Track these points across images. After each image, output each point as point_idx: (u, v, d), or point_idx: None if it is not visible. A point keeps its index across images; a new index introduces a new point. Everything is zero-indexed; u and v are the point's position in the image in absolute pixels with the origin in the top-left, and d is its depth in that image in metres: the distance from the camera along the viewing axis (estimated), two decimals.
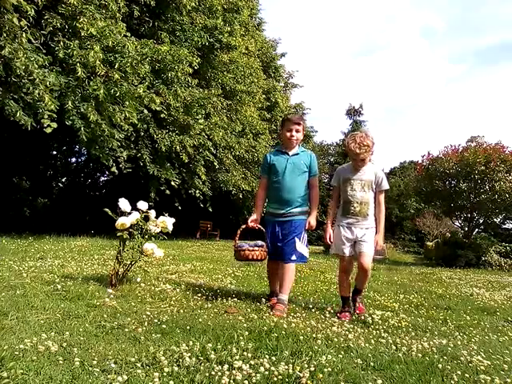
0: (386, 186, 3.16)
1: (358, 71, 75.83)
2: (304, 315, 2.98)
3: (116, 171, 8.22)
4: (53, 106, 6.06)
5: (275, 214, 3.25)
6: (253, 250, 3.20)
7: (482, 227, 14.88)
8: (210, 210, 11.82)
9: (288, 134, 3.22)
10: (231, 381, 1.64)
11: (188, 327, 2.36)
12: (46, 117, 6.04)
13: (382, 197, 3.18)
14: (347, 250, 3.12)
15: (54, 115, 6.17)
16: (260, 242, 3.24)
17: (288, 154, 3.24)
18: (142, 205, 3.42)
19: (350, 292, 3.23)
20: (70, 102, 6.60)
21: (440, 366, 2.04)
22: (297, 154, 3.25)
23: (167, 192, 9.91)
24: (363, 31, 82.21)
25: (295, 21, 71.44)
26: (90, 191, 17.68)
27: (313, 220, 3.22)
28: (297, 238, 3.15)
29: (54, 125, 6.16)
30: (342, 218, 3.17)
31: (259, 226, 3.26)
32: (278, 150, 3.34)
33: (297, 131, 3.22)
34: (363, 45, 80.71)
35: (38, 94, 5.95)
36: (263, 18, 19.21)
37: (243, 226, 3.27)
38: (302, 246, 3.17)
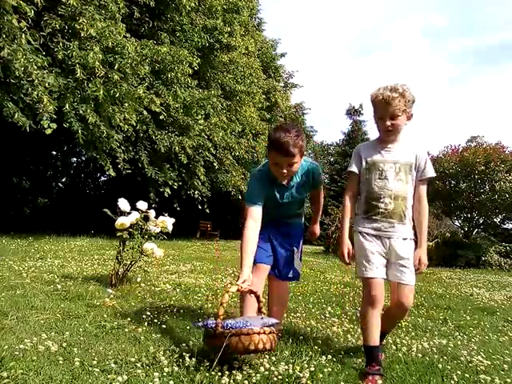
0: (430, 172, 2.05)
1: (358, 71, 75.88)
2: (304, 315, 2.98)
3: (113, 174, 8.21)
4: (51, 108, 6.06)
5: (270, 223, 2.30)
6: (257, 334, 1.72)
7: (481, 227, 14.89)
8: (208, 211, 11.81)
9: (276, 171, 2.12)
10: (231, 381, 1.64)
11: (188, 327, 2.36)
12: (44, 118, 6.04)
13: (424, 190, 2.06)
14: (378, 271, 1.97)
15: (54, 116, 6.17)
16: (267, 319, 1.89)
17: (283, 186, 2.23)
18: (142, 205, 3.43)
19: (378, 338, 1.98)
20: (67, 105, 6.59)
21: (440, 365, 2.04)
22: (296, 180, 2.25)
23: (168, 192, 9.91)
24: (363, 31, 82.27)
25: (295, 21, 71.45)
26: (90, 191, 17.68)
27: (317, 228, 2.56)
28: (295, 248, 2.34)
29: (54, 126, 6.16)
30: (365, 222, 2.05)
31: (254, 291, 1.98)
32: (268, 177, 2.19)
33: (290, 165, 2.07)
34: (363, 45, 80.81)
35: (37, 95, 5.96)
36: (263, 18, 19.27)
37: (232, 290, 1.87)
38: (297, 260, 2.37)
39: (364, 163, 2.07)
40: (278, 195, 2.24)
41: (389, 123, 1.97)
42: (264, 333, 1.70)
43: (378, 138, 2.10)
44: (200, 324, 1.87)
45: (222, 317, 1.73)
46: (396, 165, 2.02)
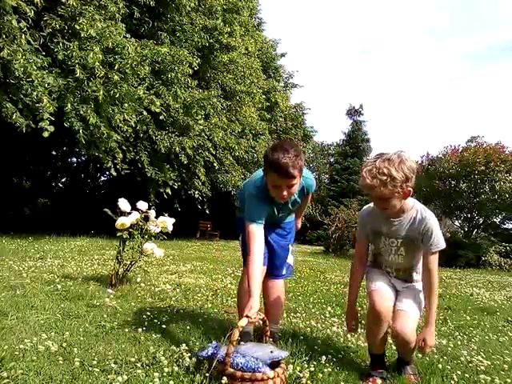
0: (437, 245, 1.89)
1: (358, 71, 75.85)
2: (304, 315, 2.99)
3: (115, 173, 8.23)
4: (51, 108, 6.06)
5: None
6: (271, 380, 1.57)
7: (481, 227, 14.89)
8: (207, 212, 11.81)
9: (275, 193, 2.00)
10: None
11: (188, 327, 2.36)
12: (45, 118, 6.04)
13: (433, 260, 1.92)
14: (382, 285, 1.95)
15: (52, 118, 6.17)
16: (276, 351, 1.72)
17: (276, 203, 2.13)
18: (142, 205, 3.43)
19: (384, 347, 2.03)
20: (69, 105, 6.59)
21: (440, 366, 2.05)
22: (293, 198, 2.17)
23: (168, 192, 9.91)
24: (363, 31, 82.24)
25: (295, 21, 71.44)
26: (90, 191, 17.68)
27: (298, 223, 2.57)
28: (289, 245, 2.38)
29: (51, 129, 6.15)
30: (375, 267, 2.09)
31: (262, 317, 1.81)
32: (262, 193, 2.07)
33: (289, 187, 1.96)
34: (363, 44, 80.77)
35: (37, 95, 5.96)
36: (263, 18, 19.25)
37: (242, 324, 1.69)
38: (290, 256, 2.40)
39: (368, 231, 2.00)
40: (275, 211, 2.19)
41: (380, 205, 1.85)
42: (278, 376, 1.59)
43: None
44: (204, 355, 1.73)
45: (231, 354, 1.60)
46: (398, 240, 1.92)
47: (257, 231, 2.01)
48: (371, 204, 1.97)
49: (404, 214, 1.88)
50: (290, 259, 2.41)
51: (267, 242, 2.24)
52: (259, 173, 2.15)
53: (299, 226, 2.61)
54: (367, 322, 2.01)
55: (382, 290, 1.92)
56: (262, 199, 2.07)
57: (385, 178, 1.71)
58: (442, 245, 1.91)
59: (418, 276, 2.00)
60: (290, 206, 2.21)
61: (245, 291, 2.11)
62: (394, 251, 1.94)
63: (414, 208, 1.89)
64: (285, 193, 1.96)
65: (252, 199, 2.09)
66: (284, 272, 2.33)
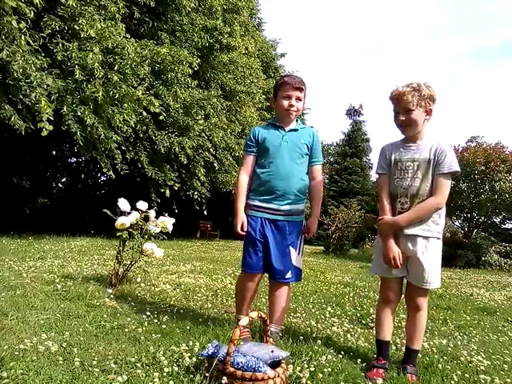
0: (449, 166, 1.93)
1: (358, 71, 75.90)
2: (304, 315, 2.99)
3: (113, 175, 8.23)
4: (50, 110, 6.06)
5: (263, 208, 2.29)
6: (271, 380, 1.57)
7: (481, 227, 14.89)
8: (205, 213, 11.82)
9: (285, 103, 2.28)
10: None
11: (188, 327, 2.36)
12: (44, 119, 6.04)
13: (441, 184, 1.94)
14: (396, 270, 2.01)
15: (52, 118, 6.17)
16: (277, 351, 1.72)
17: (283, 129, 2.34)
18: (142, 205, 3.43)
19: (390, 334, 2.13)
20: (65, 108, 6.59)
21: (440, 366, 2.05)
22: (295, 129, 2.36)
23: (167, 193, 9.91)
24: (363, 31, 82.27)
25: (295, 21, 71.48)
26: (90, 191, 17.67)
27: (314, 224, 2.35)
28: (292, 248, 2.29)
29: (50, 127, 6.15)
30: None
31: (263, 317, 1.81)
32: (270, 124, 2.41)
33: (297, 99, 2.30)
34: (363, 44, 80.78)
35: (35, 96, 5.96)
36: (263, 18, 19.25)
37: (243, 323, 1.67)
38: (298, 259, 2.32)
39: (388, 161, 2.09)
40: (278, 137, 2.33)
41: (402, 118, 1.98)
42: (278, 375, 1.59)
43: (402, 138, 2.10)
44: (205, 354, 1.72)
45: (231, 354, 1.59)
46: (414, 163, 1.99)
47: (248, 159, 2.37)
48: (390, 142, 2.17)
49: (421, 140, 2.03)
50: (298, 262, 2.32)
51: (265, 245, 2.28)
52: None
53: (314, 228, 2.34)
54: (377, 305, 2.16)
55: (395, 280, 2.05)
56: (265, 127, 2.40)
57: (415, 85, 1.97)
58: (455, 167, 1.94)
59: (434, 223, 1.97)
60: (294, 137, 2.33)
61: (246, 288, 2.33)
62: (410, 174, 1.99)
63: (430, 138, 2.03)
64: (293, 101, 2.28)
65: (253, 129, 2.44)
66: (288, 276, 2.28)
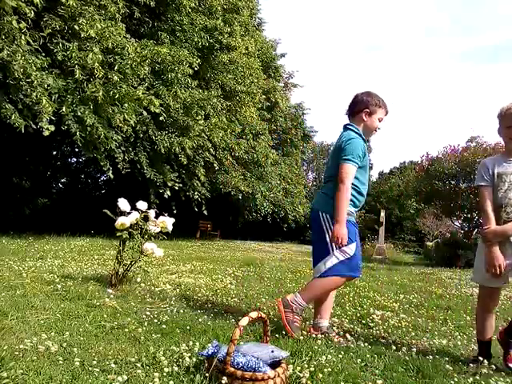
0: None
1: (358, 71, 75.93)
2: (304, 315, 2.98)
3: (111, 176, 8.23)
4: (50, 109, 6.06)
5: (351, 212, 2.46)
6: (271, 379, 1.56)
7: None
8: (206, 213, 11.84)
9: (378, 125, 2.55)
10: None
11: (188, 327, 2.36)
12: (44, 120, 6.04)
13: None
14: (500, 279, 2.12)
15: (53, 118, 6.17)
16: (277, 350, 1.71)
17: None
18: (142, 205, 3.43)
19: (491, 334, 2.30)
20: (64, 108, 6.59)
21: (440, 366, 2.04)
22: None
23: (167, 194, 9.91)
24: (363, 31, 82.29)
25: (295, 21, 71.47)
26: (90, 191, 17.69)
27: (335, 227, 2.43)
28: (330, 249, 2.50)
29: (52, 128, 6.16)
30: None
31: (263, 317, 1.78)
32: (361, 137, 2.50)
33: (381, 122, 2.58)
34: (363, 44, 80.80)
35: (36, 96, 5.96)
36: (263, 18, 19.24)
37: (243, 324, 1.63)
38: (330, 260, 2.48)
39: (491, 174, 2.23)
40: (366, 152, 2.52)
41: None
42: (278, 375, 1.59)
43: (503, 153, 2.30)
44: (205, 354, 1.72)
45: (231, 354, 1.58)
46: None
47: (355, 171, 2.41)
48: (490, 157, 2.40)
49: None
50: (328, 262, 2.40)
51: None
52: (348, 132, 2.50)
53: (337, 230, 2.34)
54: (478, 312, 2.30)
55: (498, 288, 2.21)
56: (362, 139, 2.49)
57: None
58: None
59: None
60: (331, 155, 2.60)
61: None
62: None
63: None
64: (381, 125, 2.56)
65: (359, 143, 2.44)
66: (317, 273, 2.44)
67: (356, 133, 2.47)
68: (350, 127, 2.50)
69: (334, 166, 2.45)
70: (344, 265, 2.38)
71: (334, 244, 2.36)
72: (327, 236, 2.39)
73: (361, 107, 2.51)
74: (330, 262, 2.38)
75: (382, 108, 2.52)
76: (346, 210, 2.34)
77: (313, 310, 2.65)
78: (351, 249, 2.38)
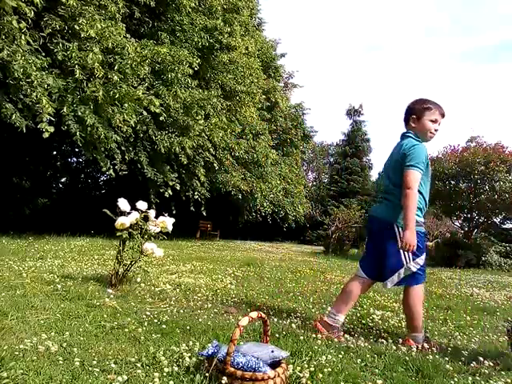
0: None
1: (358, 71, 75.87)
2: (304, 315, 2.99)
3: (113, 174, 8.24)
4: (50, 109, 6.06)
5: (421, 222, 2.50)
6: (271, 379, 1.56)
7: (481, 227, 14.88)
8: (204, 214, 11.84)
9: (432, 127, 2.51)
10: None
11: (188, 327, 2.36)
12: (44, 120, 6.04)
13: None
14: None
15: (53, 119, 6.17)
16: (277, 350, 1.71)
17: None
18: (142, 205, 3.43)
19: None
20: (65, 108, 6.59)
21: (440, 366, 2.05)
22: None
23: (169, 192, 9.91)
24: (363, 31, 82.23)
25: (295, 21, 71.43)
26: (90, 191, 17.68)
27: (405, 233, 2.39)
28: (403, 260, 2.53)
29: (51, 129, 6.15)
30: None
31: (263, 316, 1.77)
32: (420, 142, 2.51)
33: (439, 125, 2.55)
34: (363, 44, 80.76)
35: (36, 96, 5.96)
36: (263, 18, 19.23)
37: (243, 323, 1.62)
38: (401, 272, 2.52)
39: None
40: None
41: None
42: (278, 375, 1.59)
43: None
44: (205, 354, 1.72)
45: (231, 354, 1.58)
46: None
47: (419, 177, 2.41)
48: None
49: None
50: (402, 274, 2.46)
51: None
52: (409, 139, 2.51)
53: (405, 237, 2.34)
54: None
55: None
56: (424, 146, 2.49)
57: None
58: None
59: None
60: (392, 164, 2.56)
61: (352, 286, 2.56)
62: None
63: None
64: (437, 128, 2.54)
65: (424, 151, 2.46)
66: (384, 283, 2.51)
67: (415, 139, 2.49)
68: (408, 134, 2.53)
69: (396, 174, 2.47)
70: (420, 276, 2.48)
71: (406, 254, 2.41)
72: (399, 246, 2.40)
73: (408, 114, 2.58)
74: (404, 273, 2.45)
75: (429, 110, 2.51)
76: (415, 216, 2.36)
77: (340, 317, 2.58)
78: (422, 259, 2.47)
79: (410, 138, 2.50)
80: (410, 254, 2.40)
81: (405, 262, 2.42)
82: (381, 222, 2.52)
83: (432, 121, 2.50)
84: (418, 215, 2.42)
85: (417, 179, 2.37)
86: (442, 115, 2.54)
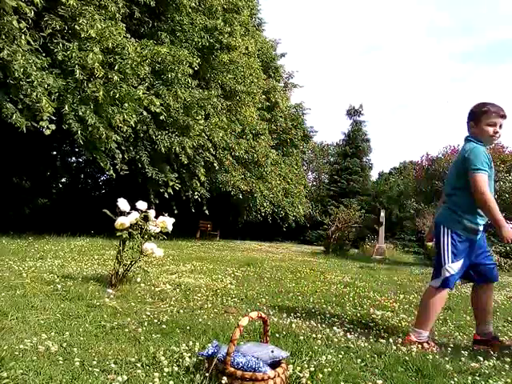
0: None
1: (358, 71, 75.86)
2: (304, 315, 2.99)
3: (113, 174, 8.24)
4: (51, 109, 6.06)
5: (478, 230, 2.55)
6: (271, 379, 1.56)
7: None
8: (207, 212, 11.86)
9: (491, 130, 2.51)
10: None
11: (188, 327, 2.36)
12: (44, 118, 6.04)
13: None
14: None
15: (53, 117, 6.17)
16: (277, 350, 1.72)
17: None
18: (142, 205, 3.43)
19: None
20: (66, 107, 6.59)
21: (440, 366, 2.04)
22: None
23: (170, 192, 9.91)
24: (363, 31, 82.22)
25: (295, 21, 71.43)
26: (90, 191, 17.68)
27: (499, 231, 2.47)
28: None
29: (53, 127, 6.16)
30: None
31: (263, 316, 1.78)
32: (482, 146, 2.54)
33: (500, 127, 2.54)
34: (363, 44, 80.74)
35: (36, 96, 5.96)
36: (263, 18, 19.27)
37: (243, 323, 1.63)
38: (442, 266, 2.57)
39: None
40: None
41: None
42: (278, 375, 1.59)
43: None
44: (205, 354, 1.72)
45: (231, 354, 1.58)
46: None
47: (487, 178, 2.46)
48: None
49: None
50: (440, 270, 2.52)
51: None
52: (470, 143, 2.55)
53: (505, 233, 2.40)
54: None
55: None
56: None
57: None
58: None
59: None
60: (453, 168, 2.66)
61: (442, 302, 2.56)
62: None
63: None
64: (498, 128, 2.52)
65: (483, 152, 2.48)
66: (438, 281, 2.53)
67: (475, 142, 2.54)
68: (469, 138, 2.60)
69: (457, 177, 2.57)
70: (450, 280, 2.51)
71: (446, 257, 2.49)
72: (441, 248, 2.51)
73: (468, 119, 2.64)
74: (441, 274, 2.52)
75: (488, 113, 2.52)
76: (499, 212, 2.43)
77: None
78: (457, 265, 2.49)
79: (470, 142, 2.57)
80: (450, 255, 2.47)
81: (443, 263, 2.50)
82: (437, 226, 2.63)
83: (489, 124, 2.51)
84: (476, 223, 2.50)
85: (484, 180, 2.42)
86: (502, 116, 2.53)
